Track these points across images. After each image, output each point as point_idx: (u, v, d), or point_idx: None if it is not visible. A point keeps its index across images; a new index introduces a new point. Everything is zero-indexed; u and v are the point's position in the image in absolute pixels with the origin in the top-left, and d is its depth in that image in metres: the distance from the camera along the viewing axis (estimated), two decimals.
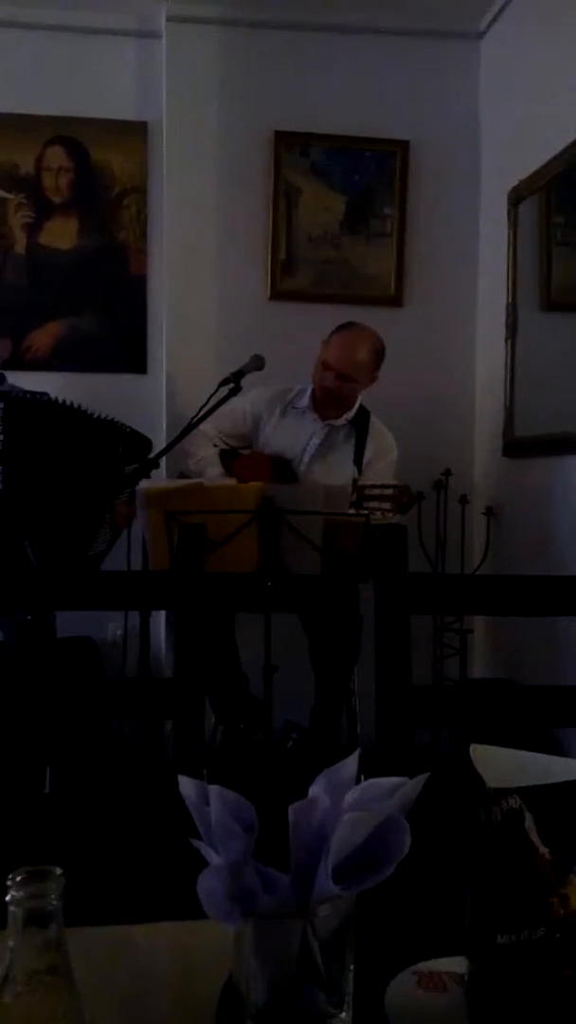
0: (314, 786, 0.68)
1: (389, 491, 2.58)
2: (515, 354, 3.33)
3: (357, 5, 3.44)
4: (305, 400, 3.02)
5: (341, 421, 3.00)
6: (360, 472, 2.91)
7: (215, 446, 2.99)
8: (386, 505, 2.55)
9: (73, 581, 1.39)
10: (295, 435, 3.01)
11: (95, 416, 2.95)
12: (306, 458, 2.98)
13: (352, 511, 2.54)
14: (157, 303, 3.65)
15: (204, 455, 2.93)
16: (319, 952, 0.62)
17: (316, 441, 3.00)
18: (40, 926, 0.57)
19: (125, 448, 2.97)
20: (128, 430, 2.97)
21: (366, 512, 2.55)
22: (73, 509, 2.89)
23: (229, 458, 2.99)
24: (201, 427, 2.75)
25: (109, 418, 2.96)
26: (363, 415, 3.02)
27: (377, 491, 2.60)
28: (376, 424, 3.02)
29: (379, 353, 2.96)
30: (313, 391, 3.00)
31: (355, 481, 2.71)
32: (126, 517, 2.92)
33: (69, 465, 2.90)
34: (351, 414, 3.00)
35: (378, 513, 2.56)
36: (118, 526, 2.94)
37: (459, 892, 0.71)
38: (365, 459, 2.94)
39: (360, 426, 3.00)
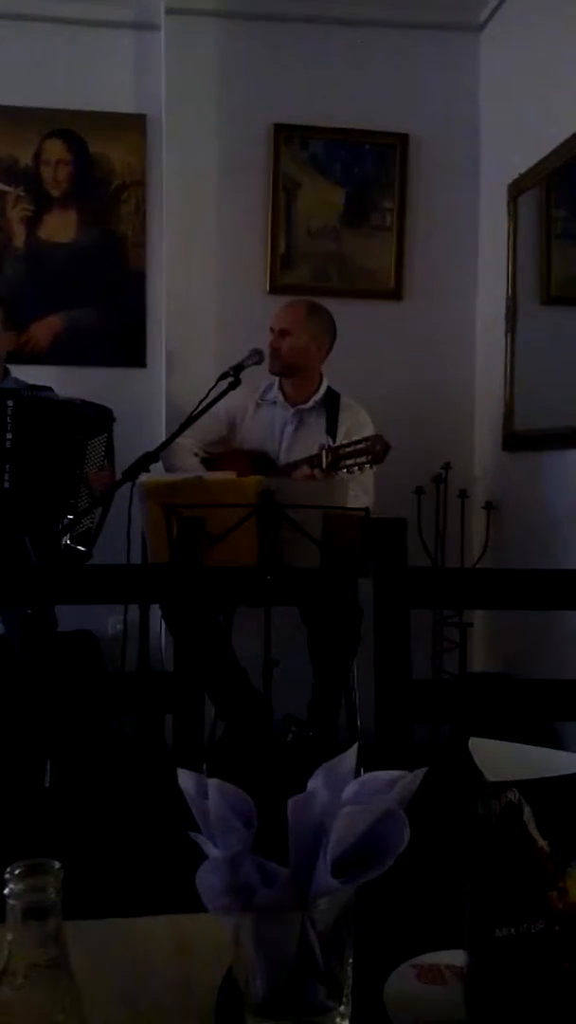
0: (313, 780, 0.68)
1: (361, 445, 2.63)
2: (515, 347, 3.32)
3: None
4: (274, 391, 3.07)
5: (310, 404, 3.03)
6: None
7: (195, 455, 3.01)
8: (362, 459, 2.59)
9: (73, 575, 1.39)
10: (269, 427, 3.05)
11: (57, 400, 2.97)
12: (283, 447, 3.01)
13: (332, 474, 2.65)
14: (156, 296, 3.64)
15: (187, 465, 2.96)
16: (318, 945, 0.62)
17: (290, 429, 3.04)
18: (39, 919, 0.57)
19: (89, 422, 3.00)
20: (80, 402, 2.99)
21: (344, 468, 2.65)
22: (50, 491, 2.91)
23: (210, 463, 3.03)
24: (180, 440, 2.81)
25: (67, 399, 2.98)
26: (333, 396, 3.05)
27: (350, 448, 2.66)
28: (348, 402, 3.06)
29: (317, 311, 3.03)
30: (279, 379, 3.06)
31: (328, 446, 2.73)
32: (103, 484, 2.94)
33: (45, 450, 2.92)
34: (319, 395, 3.03)
35: (356, 469, 2.60)
36: (97, 494, 2.96)
37: (458, 885, 0.71)
38: (340, 433, 2.96)
39: (331, 405, 3.03)
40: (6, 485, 2.86)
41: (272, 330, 3.02)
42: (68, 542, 2.88)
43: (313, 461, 2.74)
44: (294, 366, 3.01)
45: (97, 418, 3.03)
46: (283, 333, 2.99)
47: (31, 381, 3.11)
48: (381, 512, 2.80)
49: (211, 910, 0.61)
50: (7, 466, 2.86)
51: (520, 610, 2.68)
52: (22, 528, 2.84)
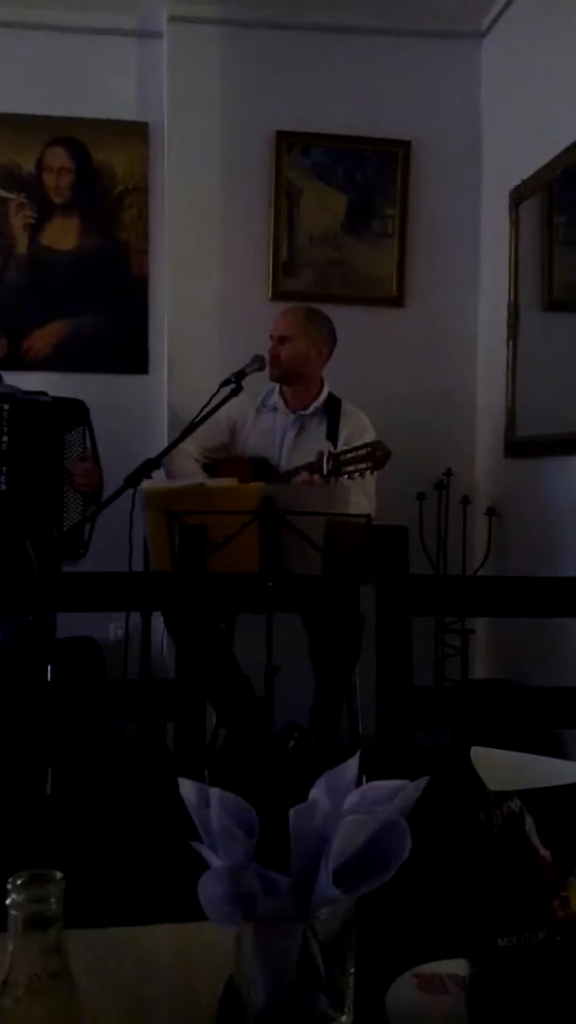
0: (315, 788, 0.68)
1: (363, 451, 2.64)
2: (517, 354, 3.32)
3: (358, 5, 3.43)
4: (275, 397, 3.07)
5: (311, 409, 3.04)
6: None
7: (196, 460, 3.02)
8: (363, 465, 2.60)
9: (75, 582, 1.39)
10: (270, 433, 3.05)
11: (40, 400, 2.99)
12: (284, 453, 3.01)
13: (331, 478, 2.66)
14: (158, 303, 3.65)
15: (188, 470, 2.97)
16: (320, 955, 0.62)
17: (291, 435, 3.04)
18: (41, 930, 0.57)
19: (66, 417, 3.00)
20: (51, 398, 3.00)
21: (345, 474, 2.65)
22: (40, 491, 2.92)
23: (211, 469, 3.04)
24: (181, 446, 2.81)
25: (35, 395, 3.00)
26: (334, 402, 3.05)
27: (351, 454, 2.66)
28: (349, 407, 3.06)
29: (316, 317, 3.04)
30: (280, 385, 3.06)
31: (329, 452, 2.73)
32: (88, 479, 2.94)
33: (33, 451, 2.93)
34: (319, 401, 3.03)
35: (357, 475, 2.60)
36: (83, 490, 2.96)
37: (460, 895, 0.71)
38: (342, 439, 2.96)
39: (332, 411, 3.03)
40: (3, 487, 2.87)
41: (271, 336, 3.02)
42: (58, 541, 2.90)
43: (314, 467, 2.74)
44: (293, 372, 3.01)
45: (71, 412, 3.04)
46: (282, 339, 2.99)
47: (28, 387, 3.11)
48: (383, 518, 2.80)
49: (212, 919, 0.61)
50: (3, 468, 2.88)
51: (522, 617, 2.68)
52: (22, 533, 2.84)
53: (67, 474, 2.98)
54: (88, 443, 3.05)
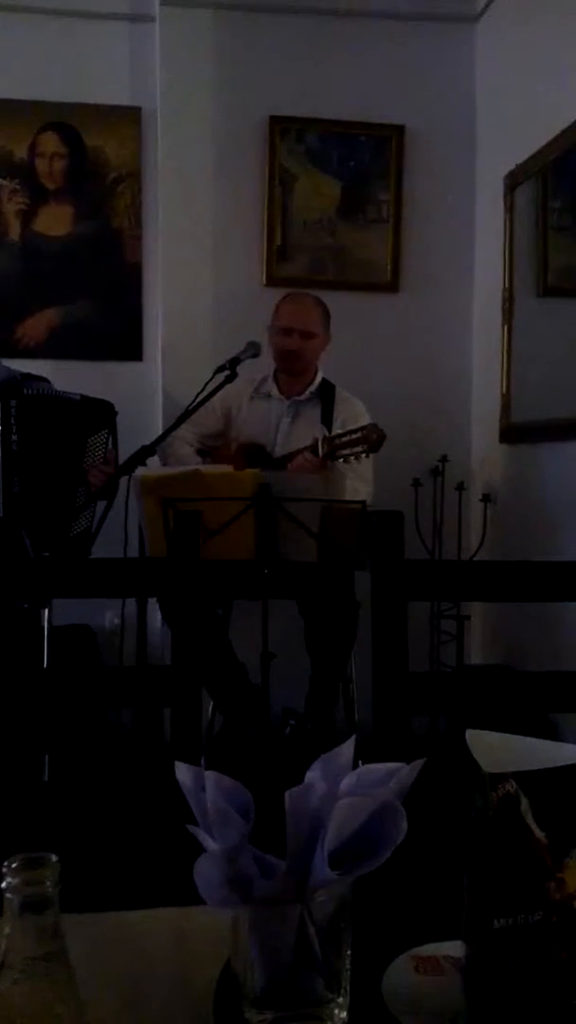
0: (311, 772, 0.68)
1: (357, 434, 2.64)
2: (512, 339, 3.32)
3: None
4: (269, 384, 3.06)
5: (305, 395, 3.04)
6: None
7: (191, 446, 3.02)
8: (358, 448, 2.60)
9: (70, 568, 1.38)
10: (265, 419, 3.05)
11: (58, 396, 2.95)
12: (279, 439, 3.01)
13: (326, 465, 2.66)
14: (152, 290, 3.63)
15: (182, 455, 2.97)
16: (316, 937, 0.62)
17: (286, 420, 3.04)
18: (36, 912, 0.57)
19: (92, 419, 2.98)
20: (80, 397, 2.97)
21: (340, 457, 2.65)
22: (52, 491, 2.90)
23: (206, 456, 3.05)
24: (177, 432, 2.80)
25: (65, 393, 2.96)
26: (328, 388, 3.05)
27: (346, 438, 2.67)
28: (343, 393, 3.06)
29: (326, 311, 3.04)
30: (275, 371, 3.05)
31: (325, 437, 2.73)
32: (100, 480, 2.92)
33: (48, 450, 2.90)
34: (314, 386, 3.04)
35: (352, 459, 2.60)
36: (94, 491, 2.94)
37: (456, 877, 0.71)
38: (337, 424, 2.96)
39: (326, 397, 3.03)
40: (16, 489, 2.83)
41: (283, 328, 2.98)
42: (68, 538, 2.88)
43: (309, 452, 2.74)
44: (311, 366, 3.02)
45: (98, 414, 3.01)
46: (306, 335, 2.97)
47: (25, 371, 3.09)
48: (379, 504, 2.81)
49: (209, 903, 0.61)
50: (15, 470, 2.83)
51: (518, 602, 2.69)
52: (20, 524, 2.83)
53: (84, 478, 2.94)
54: (110, 446, 3.02)
